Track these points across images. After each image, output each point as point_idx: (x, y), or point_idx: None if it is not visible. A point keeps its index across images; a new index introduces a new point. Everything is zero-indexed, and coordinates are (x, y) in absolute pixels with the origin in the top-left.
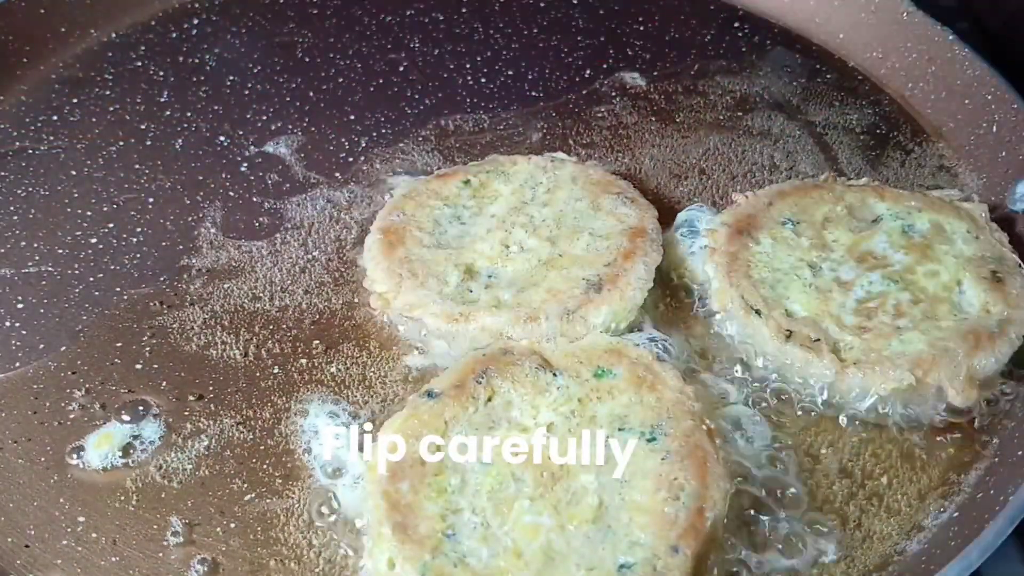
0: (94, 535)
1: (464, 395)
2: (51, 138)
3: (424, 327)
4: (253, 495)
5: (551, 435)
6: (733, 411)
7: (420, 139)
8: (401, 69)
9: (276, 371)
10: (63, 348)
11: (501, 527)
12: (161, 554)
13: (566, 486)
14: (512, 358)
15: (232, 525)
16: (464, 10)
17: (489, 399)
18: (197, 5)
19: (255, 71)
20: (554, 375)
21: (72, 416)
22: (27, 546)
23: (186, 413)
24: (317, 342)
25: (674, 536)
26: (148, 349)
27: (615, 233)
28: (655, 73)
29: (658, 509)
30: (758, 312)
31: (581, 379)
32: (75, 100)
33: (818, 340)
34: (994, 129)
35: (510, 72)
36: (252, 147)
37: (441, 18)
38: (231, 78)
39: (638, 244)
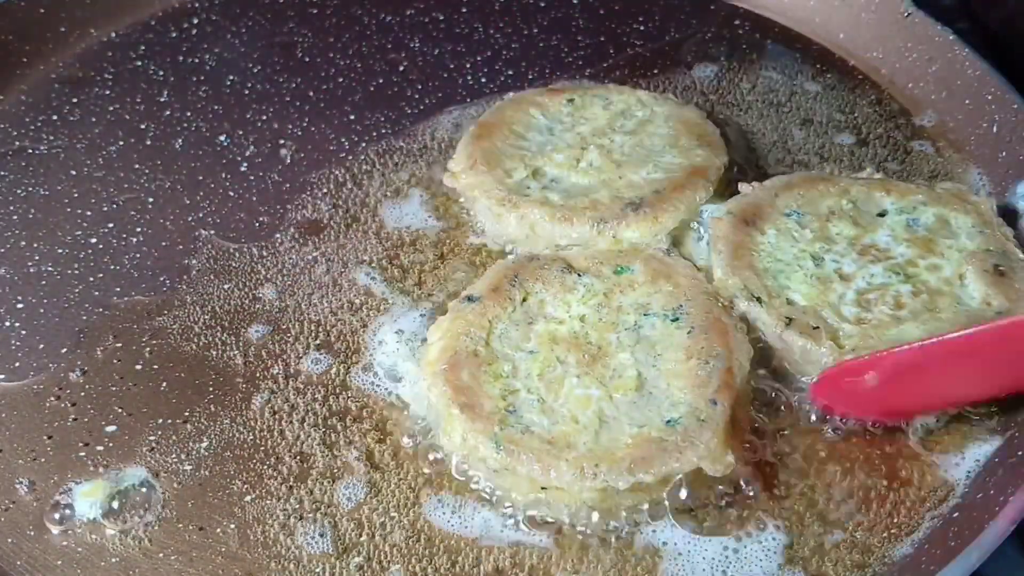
0: (93, 537)
1: (501, 297)
2: (51, 138)
3: (477, 207)
4: (253, 495)
5: (584, 324)
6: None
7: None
8: (401, 69)
9: (276, 371)
10: (63, 349)
11: (555, 401)
12: (161, 554)
13: (606, 363)
14: (539, 263)
15: (232, 526)
16: (464, 10)
17: (524, 299)
18: (197, 5)
19: (255, 71)
20: (579, 275)
21: (72, 418)
22: (27, 546)
23: (186, 414)
24: (318, 342)
25: (710, 392)
26: (148, 349)
27: (678, 168)
28: (655, 72)
29: (692, 373)
30: (759, 300)
31: (603, 276)
32: (75, 100)
33: (817, 328)
34: (994, 129)
35: (510, 72)
36: (252, 147)
37: (441, 18)
38: (231, 78)
39: (691, 180)
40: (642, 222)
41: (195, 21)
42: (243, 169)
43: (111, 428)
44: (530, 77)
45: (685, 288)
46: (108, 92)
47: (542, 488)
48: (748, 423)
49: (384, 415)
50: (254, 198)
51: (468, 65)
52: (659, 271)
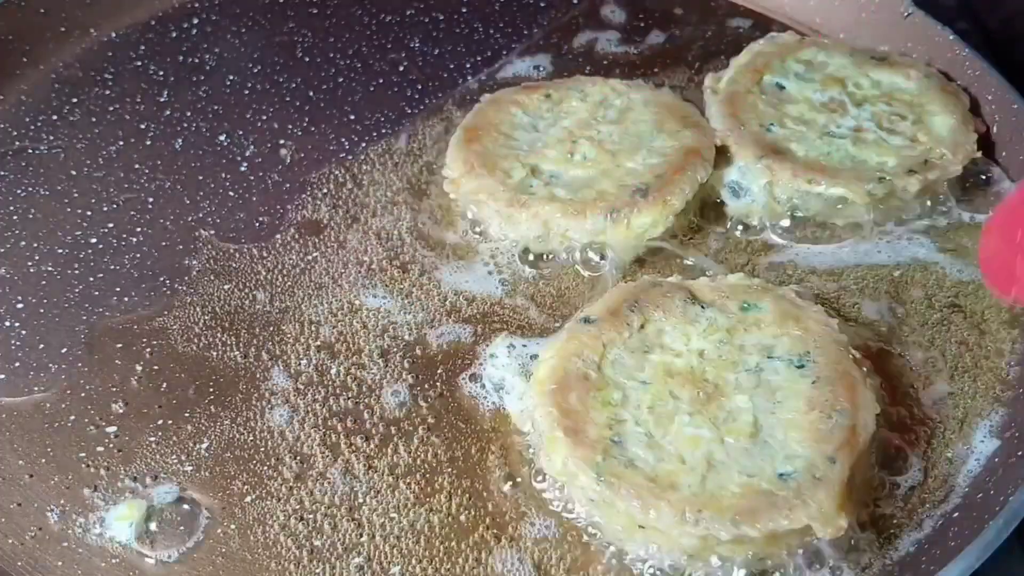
0: (96, 537)
1: (619, 321)
2: (51, 138)
3: (485, 210)
4: (254, 496)
5: (703, 360)
6: None
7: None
8: (401, 69)
9: (276, 372)
10: (63, 349)
11: (664, 437)
12: (162, 555)
13: (721, 404)
14: (661, 290)
15: (232, 526)
16: (464, 10)
17: (642, 326)
18: (197, 5)
19: (255, 71)
20: (702, 307)
21: (72, 418)
22: (27, 547)
23: (186, 415)
24: (318, 343)
25: (831, 449)
26: (148, 350)
27: (672, 151)
28: (655, 71)
29: (813, 426)
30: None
31: (728, 312)
32: (75, 100)
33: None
34: (994, 129)
35: (511, 72)
36: (252, 147)
37: (441, 18)
38: (231, 78)
39: (689, 161)
40: (652, 207)
41: (195, 21)
42: (243, 169)
43: (111, 428)
44: (531, 77)
45: (815, 334)
46: (108, 92)
47: (639, 527)
48: (867, 485)
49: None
50: (254, 198)
51: (468, 65)
52: (788, 313)
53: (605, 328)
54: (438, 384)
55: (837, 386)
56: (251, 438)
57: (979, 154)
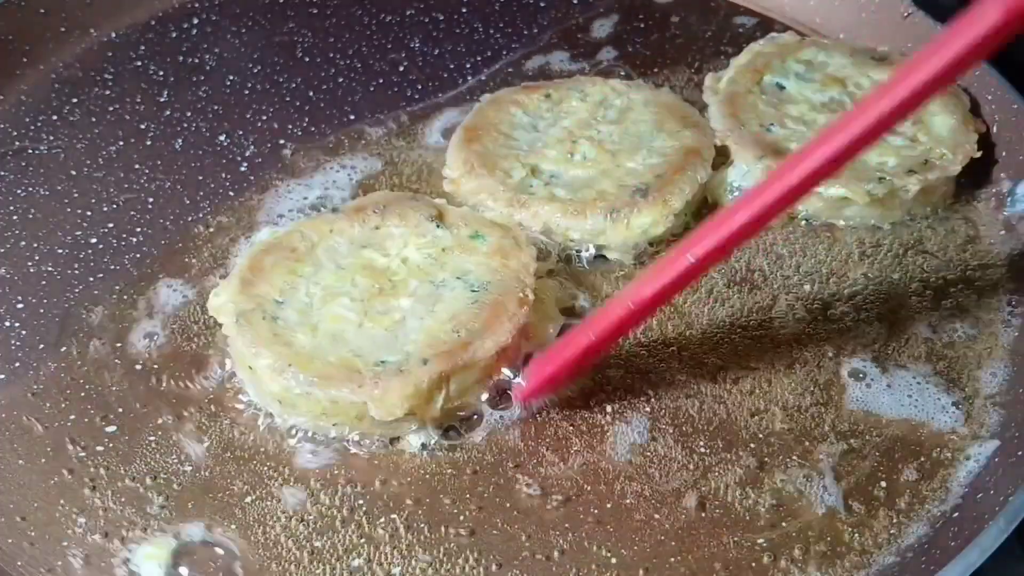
0: (95, 537)
1: (360, 216)
2: (51, 138)
3: (485, 211)
4: (254, 496)
5: (404, 265)
6: None
7: (420, 139)
8: (401, 69)
9: None
10: (63, 348)
11: (317, 309)
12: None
13: (386, 300)
14: (413, 203)
15: (232, 527)
16: (464, 10)
17: (377, 227)
18: (197, 5)
19: (255, 71)
20: (437, 226)
21: (72, 418)
22: (27, 547)
23: (186, 415)
24: None
25: (431, 353)
26: (148, 350)
27: (672, 151)
28: (655, 70)
29: (436, 335)
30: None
31: (458, 236)
32: (75, 100)
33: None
34: (994, 129)
35: (510, 72)
36: (252, 147)
37: (441, 18)
38: (231, 78)
39: (689, 161)
40: (653, 207)
41: (195, 21)
42: (243, 169)
43: (111, 428)
44: (531, 77)
45: (509, 270)
46: (108, 92)
47: (249, 367)
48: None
49: None
50: (254, 198)
51: (468, 65)
52: (503, 249)
53: (343, 219)
54: None
55: (484, 311)
56: (251, 438)
57: (979, 154)
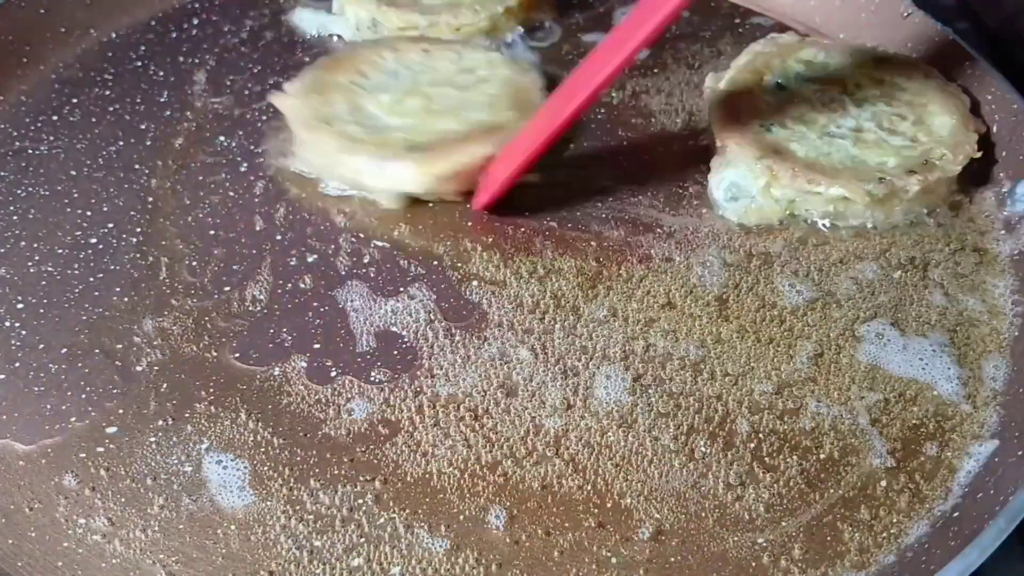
0: (96, 538)
1: (424, 47)
2: (51, 138)
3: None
4: (254, 496)
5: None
6: None
7: None
8: None
9: (276, 371)
10: (63, 349)
11: (376, 107)
12: (162, 555)
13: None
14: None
15: (232, 527)
16: None
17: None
18: (197, 5)
19: (255, 71)
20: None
21: (72, 418)
22: (28, 547)
23: (187, 415)
24: (318, 344)
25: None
26: (148, 350)
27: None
28: (655, 71)
29: (498, 99)
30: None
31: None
32: (75, 100)
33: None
34: (994, 129)
35: None
36: (252, 147)
37: None
38: (231, 78)
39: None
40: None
41: (195, 21)
42: (243, 169)
43: (111, 429)
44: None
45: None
46: (108, 92)
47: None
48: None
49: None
50: (254, 198)
51: None
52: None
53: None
54: None
55: (503, 94)
56: (252, 439)
57: (979, 154)
